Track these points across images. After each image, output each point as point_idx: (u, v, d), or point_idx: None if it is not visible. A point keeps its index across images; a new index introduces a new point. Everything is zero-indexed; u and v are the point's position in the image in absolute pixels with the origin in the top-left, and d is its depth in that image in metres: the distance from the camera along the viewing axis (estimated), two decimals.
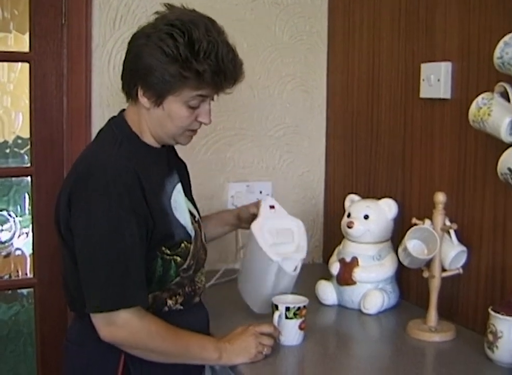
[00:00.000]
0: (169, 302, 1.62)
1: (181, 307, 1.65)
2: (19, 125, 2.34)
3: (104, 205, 1.47)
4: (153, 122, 1.60)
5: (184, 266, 1.63)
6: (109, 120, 1.69)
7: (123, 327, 1.48)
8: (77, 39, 2.21)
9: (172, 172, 1.69)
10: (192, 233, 1.66)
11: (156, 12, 1.60)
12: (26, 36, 2.21)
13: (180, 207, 1.66)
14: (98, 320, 1.48)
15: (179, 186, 1.68)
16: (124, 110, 1.68)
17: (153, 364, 1.55)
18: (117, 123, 1.65)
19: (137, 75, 1.55)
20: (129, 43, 1.60)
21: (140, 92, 1.55)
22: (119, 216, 1.48)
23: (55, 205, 1.61)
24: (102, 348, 1.53)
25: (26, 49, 2.21)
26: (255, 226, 1.79)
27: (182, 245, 1.62)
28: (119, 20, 2.25)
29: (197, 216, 1.76)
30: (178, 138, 1.64)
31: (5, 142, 2.34)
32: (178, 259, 1.60)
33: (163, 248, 1.57)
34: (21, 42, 2.27)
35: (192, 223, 1.68)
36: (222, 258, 2.41)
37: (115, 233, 1.47)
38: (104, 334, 1.48)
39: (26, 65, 2.21)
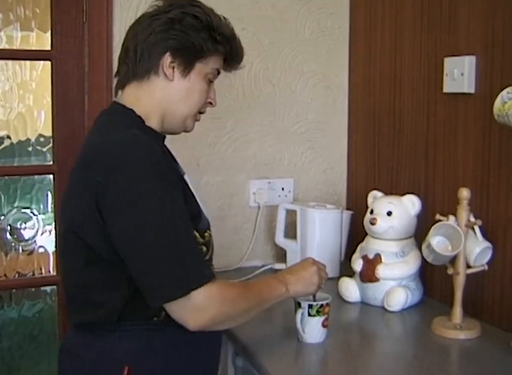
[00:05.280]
0: None
1: None
2: (41, 123, 2.35)
3: (150, 185, 1.35)
4: (171, 98, 1.54)
5: (207, 257, 1.54)
6: (102, 111, 1.59)
7: (208, 306, 1.37)
8: (98, 37, 2.21)
9: (177, 163, 1.63)
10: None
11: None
12: (48, 35, 2.21)
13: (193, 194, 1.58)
14: (180, 310, 1.36)
15: (186, 177, 1.60)
16: (114, 102, 1.59)
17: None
18: (116, 109, 1.55)
19: (167, 43, 1.50)
20: (148, 23, 1.53)
21: (166, 63, 1.51)
22: (169, 193, 1.37)
23: (64, 207, 1.48)
24: (103, 360, 1.45)
25: (48, 48, 2.22)
26: None
27: (206, 234, 1.53)
28: None
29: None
30: (189, 121, 1.60)
31: (28, 140, 2.34)
32: (204, 248, 1.51)
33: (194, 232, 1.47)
34: (42, 40, 2.27)
35: None
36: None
37: (168, 214, 1.35)
38: (193, 324, 1.37)
39: (48, 63, 2.21)
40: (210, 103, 1.63)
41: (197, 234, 1.48)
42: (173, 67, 1.52)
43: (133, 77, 1.54)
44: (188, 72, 1.53)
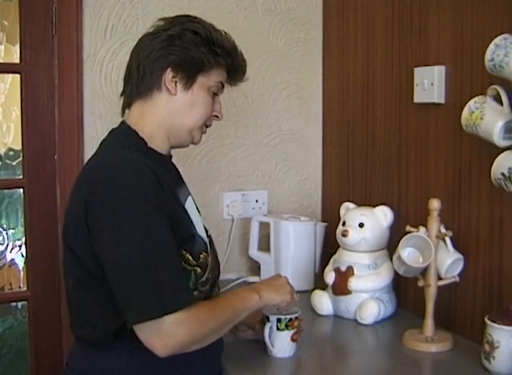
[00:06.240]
0: None
1: None
2: (11, 137, 2.32)
3: (132, 207, 1.37)
4: (175, 111, 1.56)
5: (203, 279, 1.52)
6: (111, 131, 1.62)
7: (176, 332, 1.35)
8: (68, 49, 2.19)
9: (182, 184, 1.66)
10: (208, 244, 1.60)
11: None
12: (17, 47, 2.19)
13: (194, 217, 1.59)
14: (148, 335, 1.35)
15: (190, 199, 1.63)
16: (122, 122, 1.61)
17: None
18: (121, 130, 1.58)
19: (167, 59, 1.53)
20: (149, 41, 1.57)
21: (168, 78, 1.53)
22: (150, 217, 1.38)
23: (65, 224, 1.51)
24: None
25: (17, 60, 2.20)
26: None
27: (202, 255, 1.52)
28: (110, 29, 2.23)
29: (209, 231, 1.68)
30: (195, 132, 1.61)
31: None
32: (198, 270, 1.50)
33: (184, 252, 1.47)
34: (11, 53, 2.25)
35: (206, 236, 1.62)
36: None
37: (148, 236, 1.36)
38: (160, 351, 1.35)
39: (17, 76, 2.19)
40: (216, 116, 1.65)
41: (189, 257, 1.48)
42: (175, 82, 1.55)
43: (138, 95, 1.57)
44: (190, 85, 1.56)
